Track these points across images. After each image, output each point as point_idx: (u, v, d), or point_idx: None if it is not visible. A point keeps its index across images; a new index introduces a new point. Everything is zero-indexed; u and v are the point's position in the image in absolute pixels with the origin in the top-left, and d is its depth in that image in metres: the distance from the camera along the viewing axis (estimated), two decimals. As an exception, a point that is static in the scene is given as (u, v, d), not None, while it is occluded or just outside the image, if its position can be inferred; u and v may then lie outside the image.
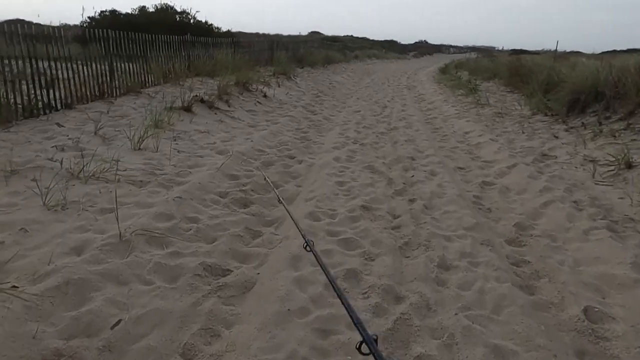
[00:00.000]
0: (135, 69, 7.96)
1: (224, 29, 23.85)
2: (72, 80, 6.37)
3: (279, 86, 11.23)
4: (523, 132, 7.72)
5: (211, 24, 22.67)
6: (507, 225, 3.83)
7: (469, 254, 3.15)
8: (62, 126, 5.44)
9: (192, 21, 22.03)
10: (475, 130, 7.84)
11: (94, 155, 4.28)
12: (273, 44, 16.22)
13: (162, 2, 22.68)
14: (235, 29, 31.77)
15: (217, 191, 4.07)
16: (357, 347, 1.04)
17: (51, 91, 5.97)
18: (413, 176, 5.00)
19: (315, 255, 1.55)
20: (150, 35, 8.48)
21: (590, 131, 7.07)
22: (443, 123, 8.85)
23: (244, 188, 4.25)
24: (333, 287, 1.32)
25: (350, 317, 1.14)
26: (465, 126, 8.36)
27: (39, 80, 5.76)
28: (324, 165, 5.27)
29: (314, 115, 8.74)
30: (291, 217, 2.22)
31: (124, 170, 4.15)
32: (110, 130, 5.44)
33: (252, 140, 5.96)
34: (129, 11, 23.00)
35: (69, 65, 6.33)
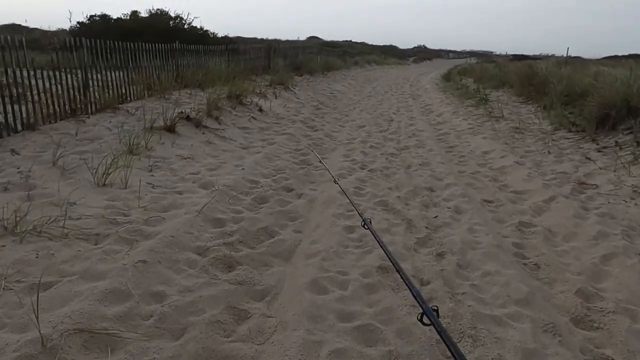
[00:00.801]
0: (114, 81, 7.10)
1: (222, 34, 23.13)
2: (39, 96, 5.51)
3: (276, 97, 10.39)
4: (549, 152, 6.88)
5: (206, 30, 21.90)
6: (567, 293, 2.97)
7: (534, 352, 2.29)
8: (17, 154, 4.58)
9: (186, 27, 21.30)
10: (496, 150, 6.99)
11: (42, 197, 3.42)
12: (270, 51, 15.39)
13: (156, 8, 21.86)
14: (232, 33, 31.03)
15: (194, 246, 3.21)
16: (419, 318, 1.08)
17: (13, 108, 5.10)
18: (436, 217, 4.14)
19: (372, 233, 1.61)
20: (132, 44, 7.64)
21: (628, 152, 6.24)
22: (457, 140, 8.01)
23: (229, 239, 3.38)
24: (392, 262, 1.39)
25: (410, 290, 1.21)
26: (483, 144, 7.52)
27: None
28: (329, 200, 4.42)
29: (314, 132, 7.89)
30: (347, 197, 2.46)
31: (77, 219, 3.29)
32: (73, 158, 4.57)
33: (243, 168, 5.10)
34: (121, 16, 22.25)
35: (38, 77, 5.46)
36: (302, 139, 7.25)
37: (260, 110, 8.44)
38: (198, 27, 21.62)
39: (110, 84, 7.04)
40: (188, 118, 6.43)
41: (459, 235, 3.71)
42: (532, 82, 12.58)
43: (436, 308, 1.06)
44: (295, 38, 47.43)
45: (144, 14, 22.59)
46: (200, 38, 19.96)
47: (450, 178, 5.46)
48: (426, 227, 3.90)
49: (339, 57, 28.12)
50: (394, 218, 4.09)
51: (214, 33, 21.87)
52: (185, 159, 5.17)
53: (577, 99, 9.25)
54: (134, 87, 7.62)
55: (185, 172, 4.78)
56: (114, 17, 22.23)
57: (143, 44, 7.94)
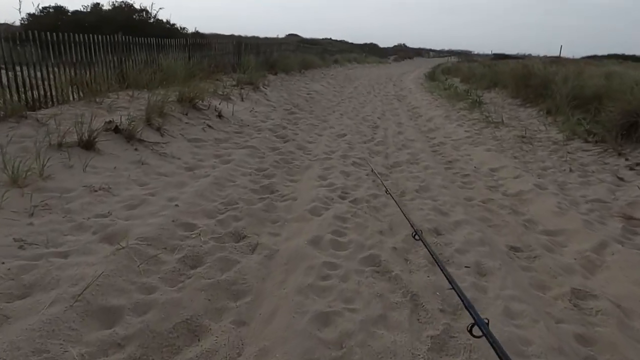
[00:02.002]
0: (27, 81, 5.56)
1: (203, 31, 21.48)
2: None
3: (242, 100, 8.93)
4: (571, 170, 5.63)
5: (174, 24, 20.21)
6: None
7: None
8: None
9: (151, 20, 19.57)
10: (507, 167, 5.71)
11: None
12: (240, 47, 13.88)
13: (120, 0, 20.06)
14: (208, 31, 29.29)
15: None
16: (469, 329, 1.08)
17: None
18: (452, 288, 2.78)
19: (424, 244, 1.62)
20: (56, 34, 6.09)
21: (670, 171, 5.04)
22: (455, 152, 6.71)
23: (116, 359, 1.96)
24: (444, 274, 1.43)
25: (462, 301, 1.23)
26: (488, 158, 6.24)
27: None
28: (295, 257, 3.03)
29: (284, 144, 6.48)
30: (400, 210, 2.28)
31: None
32: None
33: (177, 204, 3.65)
34: (80, 8, 20.33)
35: None
36: (268, 153, 5.83)
37: (220, 116, 6.97)
38: (165, 20, 19.95)
39: (22, 84, 5.51)
40: (117, 129, 4.94)
41: (493, 326, 2.35)
42: (528, 82, 11.43)
43: (487, 320, 1.07)
44: (274, 36, 45.84)
45: (106, 6, 20.74)
46: (167, 33, 18.31)
47: (459, 211, 4.13)
48: (441, 310, 2.54)
49: (318, 54, 26.71)
50: (390, 291, 2.72)
51: (183, 28, 20.19)
52: (97, 191, 3.70)
53: (588, 103, 8.08)
54: (58, 88, 6.08)
55: (89, 214, 3.31)
56: (72, 9, 20.30)
57: (71, 34, 6.39)
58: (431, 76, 22.21)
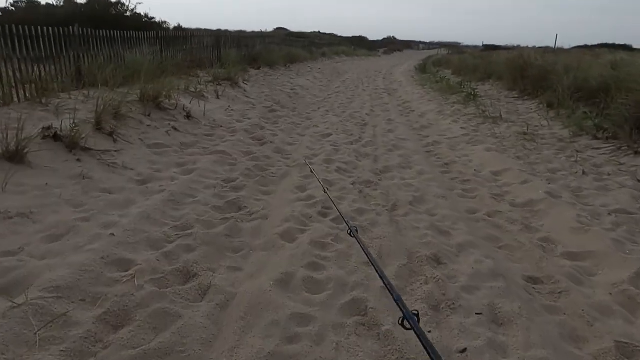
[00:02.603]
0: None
1: (188, 26, 20.55)
2: None
3: (218, 97, 8.17)
4: (584, 173, 4.97)
5: (152, 18, 19.24)
6: None
7: None
8: None
9: (128, 14, 18.61)
10: (511, 170, 5.04)
11: None
12: (220, 40, 13.06)
13: (96, -8, 19.04)
14: (195, 25, 28.28)
15: None
16: (400, 322, 1.10)
17: None
18: (465, 351, 2.09)
19: (358, 241, 1.61)
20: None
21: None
22: (452, 153, 6.02)
23: None
24: (374, 266, 1.40)
25: (391, 294, 1.22)
26: (488, 159, 5.57)
27: None
28: (254, 308, 2.32)
29: (260, 147, 5.75)
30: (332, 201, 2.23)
31: None
32: None
33: (113, 233, 2.92)
34: (52, 2, 19.33)
35: None
36: (240, 159, 5.10)
37: (189, 116, 6.21)
38: (143, 14, 18.99)
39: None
40: (56, 136, 4.17)
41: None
42: (524, 73, 10.78)
43: (417, 313, 1.09)
44: (262, 30, 44.80)
45: (80, 0, 19.72)
46: (145, 27, 17.39)
47: (461, 229, 3.45)
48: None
49: (305, 48, 25.87)
50: (381, 355, 2.02)
51: (164, 22, 19.24)
52: (12, 218, 2.95)
53: (594, 96, 7.44)
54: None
55: (-10, 253, 2.57)
56: (43, 2, 19.29)
57: (13, 26, 5.59)
58: (422, 68, 21.52)
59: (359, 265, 2.80)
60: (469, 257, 2.99)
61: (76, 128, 4.30)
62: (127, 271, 2.58)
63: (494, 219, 3.79)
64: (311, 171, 3.05)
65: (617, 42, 47.61)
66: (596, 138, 6.19)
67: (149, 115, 5.72)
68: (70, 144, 4.19)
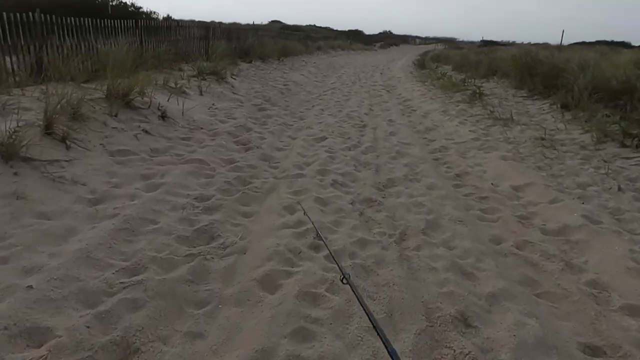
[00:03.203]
0: None
1: (181, 17, 19.61)
2: None
3: (201, 94, 7.39)
4: (619, 189, 4.27)
5: (139, 7, 18.33)
6: None
7: None
8: None
9: (113, 3, 17.67)
10: (535, 184, 4.34)
11: None
12: (209, 32, 12.24)
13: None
14: (188, 17, 27.31)
15: None
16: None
17: None
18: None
19: (355, 294, 1.41)
20: None
21: None
22: (463, 161, 5.31)
23: None
24: (380, 336, 1.15)
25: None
26: (506, 170, 4.86)
27: None
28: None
29: (244, 154, 5.00)
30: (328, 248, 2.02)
31: None
32: None
33: (31, 285, 2.17)
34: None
35: None
36: (219, 169, 4.35)
37: (163, 116, 5.44)
38: (129, 3, 18.07)
39: None
40: (-10, 144, 3.41)
41: None
42: (533, 71, 10.08)
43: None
44: (257, 22, 43.83)
45: (63, -13, 18.71)
46: (131, 17, 16.50)
47: (489, 269, 2.73)
48: None
49: (301, 41, 25.02)
50: None
51: (152, 12, 18.33)
52: None
53: (616, 97, 6.75)
54: None
55: None
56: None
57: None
58: (421, 64, 20.77)
59: (363, 334, 2.08)
60: (506, 316, 2.28)
61: (16, 133, 3.52)
62: (38, 348, 1.84)
63: (525, 253, 3.08)
64: (305, 214, 2.39)
65: (615, 39, 47.10)
66: (624, 145, 5.50)
67: (115, 116, 4.95)
68: (7, 153, 3.42)
